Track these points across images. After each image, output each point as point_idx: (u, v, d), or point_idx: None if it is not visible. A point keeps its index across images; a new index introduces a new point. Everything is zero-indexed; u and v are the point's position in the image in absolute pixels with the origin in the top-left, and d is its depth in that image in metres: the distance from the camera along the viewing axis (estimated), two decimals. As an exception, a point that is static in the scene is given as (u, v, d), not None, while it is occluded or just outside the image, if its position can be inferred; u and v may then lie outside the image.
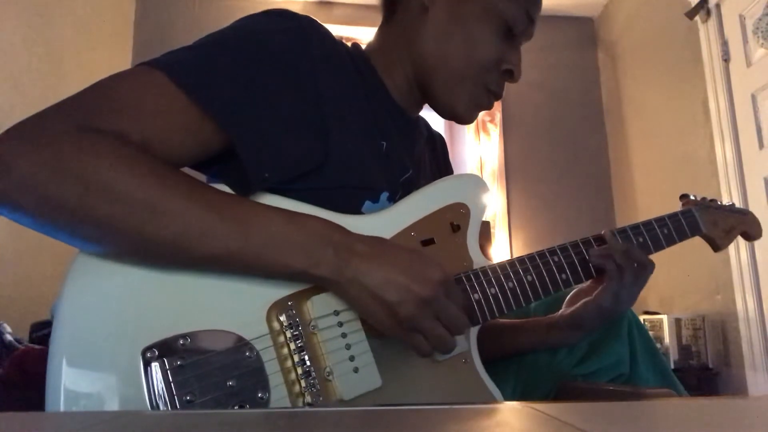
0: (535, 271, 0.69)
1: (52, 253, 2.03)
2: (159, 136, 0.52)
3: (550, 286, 0.70)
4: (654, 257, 0.76)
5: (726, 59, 2.25)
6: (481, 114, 3.16)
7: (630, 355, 0.75)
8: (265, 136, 0.57)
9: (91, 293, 0.50)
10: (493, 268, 0.67)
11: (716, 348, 2.29)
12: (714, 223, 0.84)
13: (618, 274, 0.71)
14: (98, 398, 0.47)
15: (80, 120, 0.50)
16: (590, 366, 0.75)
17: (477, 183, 0.71)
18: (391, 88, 0.73)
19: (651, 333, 2.28)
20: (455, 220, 0.67)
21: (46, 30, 2.22)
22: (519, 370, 0.79)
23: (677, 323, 2.27)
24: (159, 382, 0.48)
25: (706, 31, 2.34)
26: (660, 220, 0.79)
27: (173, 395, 0.48)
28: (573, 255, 0.72)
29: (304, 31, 0.62)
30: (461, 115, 0.75)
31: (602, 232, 0.75)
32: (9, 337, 1.17)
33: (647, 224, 0.78)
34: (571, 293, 0.79)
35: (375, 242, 0.56)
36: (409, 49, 0.73)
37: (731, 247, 2.18)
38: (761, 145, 2.09)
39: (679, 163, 2.56)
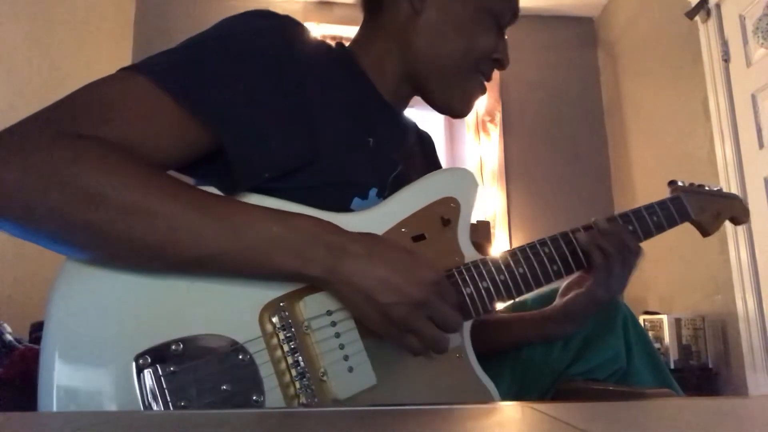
0: (527, 263, 0.69)
1: (52, 253, 2.02)
2: (144, 139, 0.52)
3: (542, 278, 0.70)
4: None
5: (726, 59, 2.25)
6: (481, 114, 3.19)
7: (625, 349, 0.76)
8: (252, 135, 0.56)
9: (81, 300, 0.49)
10: (484, 261, 0.67)
11: (716, 348, 2.29)
12: (702, 208, 0.84)
13: (605, 262, 0.71)
14: (91, 406, 0.47)
15: (64, 127, 0.49)
16: (587, 363, 0.75)
17: (466, 176, 0.71)
18: (377, 84, 0.73)
19: (651, 333, 2.28)
20: (445, 215, 0.67)
21: (46, 30, 2.22)
22: (514, 367, 0.79)
23: (677, 323, 2.26)
24: (152, 390, 0.48)
25: (706, 31, 2.34)
26: (649, 208, 0.79)
27: (167, 402, 0.48)
28: (563, 245, 0.72)
29: (285, 29, 0.62)
30: (458, 111, 0.77)
31: (591, 220, 0.75)
32: (9, 337, 1.17)
33: (636, 212, 0.78)
34: (562, 286, 0.79)
35: (368, 241, 0.56)
36: (401, 49, 0.73)
37: (731, 247, 2.17)
38: (761, 145, 2.09)
39: (679, 163, 2.56)
